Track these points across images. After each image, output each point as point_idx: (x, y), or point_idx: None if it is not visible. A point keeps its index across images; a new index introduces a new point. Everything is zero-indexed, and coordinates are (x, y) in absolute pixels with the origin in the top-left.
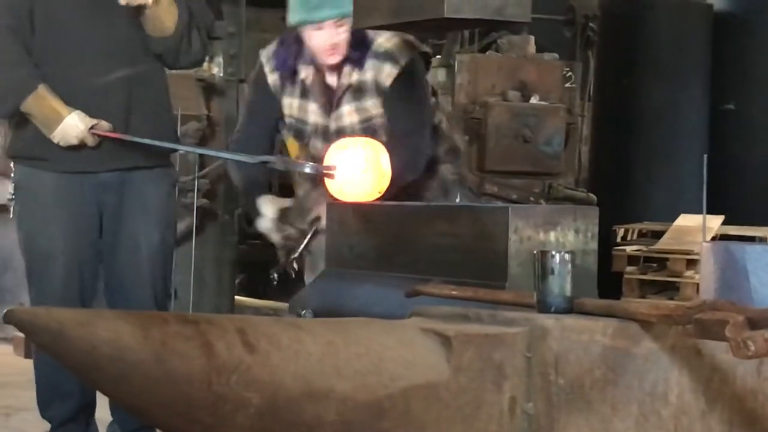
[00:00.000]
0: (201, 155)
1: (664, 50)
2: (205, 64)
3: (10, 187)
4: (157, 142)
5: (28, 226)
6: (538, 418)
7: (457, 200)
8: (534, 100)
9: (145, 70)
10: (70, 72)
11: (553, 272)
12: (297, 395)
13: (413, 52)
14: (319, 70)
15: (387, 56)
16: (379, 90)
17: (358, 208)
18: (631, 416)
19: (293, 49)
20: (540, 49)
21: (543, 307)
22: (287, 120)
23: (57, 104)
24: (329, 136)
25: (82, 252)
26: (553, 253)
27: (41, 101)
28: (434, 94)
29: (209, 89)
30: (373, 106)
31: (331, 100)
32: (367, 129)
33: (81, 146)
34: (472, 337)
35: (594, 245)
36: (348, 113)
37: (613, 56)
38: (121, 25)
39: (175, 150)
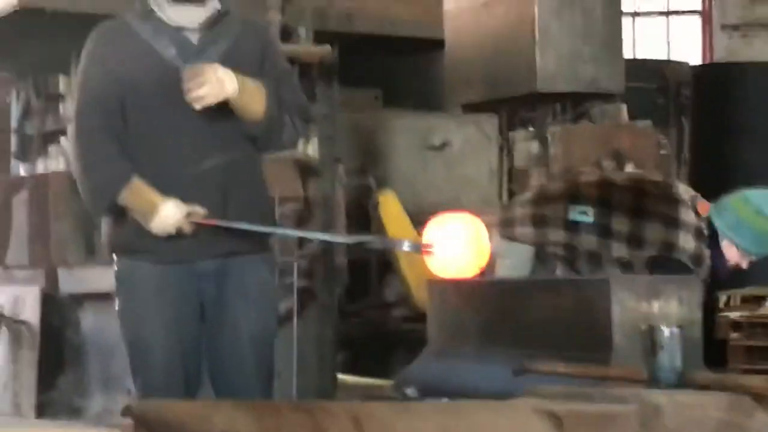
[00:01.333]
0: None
1: (758, 114)
2: (301, 146)
3: (113, 281)
4: (252, 226)
5: (129, 318)
6: None
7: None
8: (629, 168)
9: (240, 155)
10: (165, 162)
11: (662, 347)
12: None
13: None
14: None
15: None
16: None
17: (459, 285)
18: None
19: None
20: (632, 116)
21: (654, 382)
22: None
23: (152, 195)
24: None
25: (184, 341)
26: (663, 327)
27: (136, 193)
28: None
29: (306, 170)
30: None
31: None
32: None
33: (179, 234)
34: (583, 416)
35: (698, 314)
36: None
37: (707, 121)
38: (212, 111)
39: (272, 234)
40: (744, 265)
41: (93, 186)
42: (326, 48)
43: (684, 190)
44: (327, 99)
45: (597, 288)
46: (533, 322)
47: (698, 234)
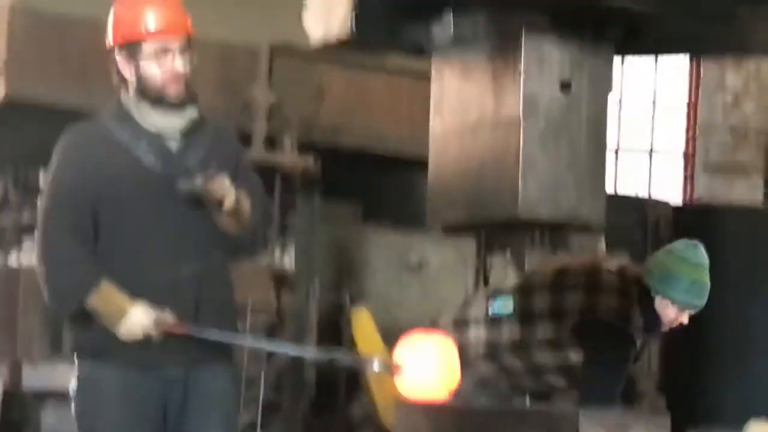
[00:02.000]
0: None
1: (734, 255)
2: (277, 256)
3: (72, 381)
4: (221, 336)
5: (89, 422)
6: None
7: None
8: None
9: (214, 262)
10: (140, 266)
11: None
12: None
13: None
14: None
15: None
16: None
17: (427, 410)
18: None
19: None
20: (610, 250)
21: None
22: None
23: (120, 299)
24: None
25: None
26: None
27: (104, 297)
28: None
29: (280, 281)
30: None
31: None
32: None
33: (146, 340)
34: None
35: None
36: None
37: None
38: (190, 218)
39: (242, 344)
40: (684, 320)
41: (59, 289)
42: (310, 159)
43: (612, 263)
44: (307, 211)
45: (566, 420)
46: None
47: (621, 293)
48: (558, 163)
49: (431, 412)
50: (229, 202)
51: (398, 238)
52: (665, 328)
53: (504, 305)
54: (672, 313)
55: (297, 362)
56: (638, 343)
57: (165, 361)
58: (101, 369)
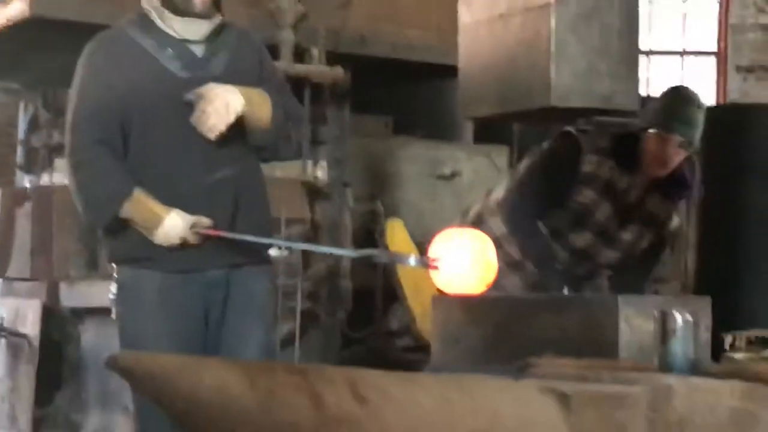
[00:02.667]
0: (305, 255)
1: None
2: (310, 168)
3: (112, 287)
4: (257, 239)
5: (132, 327)
6: None
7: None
8: None
9: (248, 166)
10: (175, 173)
11: (675, 334)
12: None
13: None
14: None
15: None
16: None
17: (463, 302)
18: None
19: None
20: None
21: (665, 368)
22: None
23: (155, 206)
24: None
25: (189, 351)
26: (675, 313)
27: (138, 205)
28: None
29: (313, 193)
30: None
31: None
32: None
33: (184, 246)
34: (591, 396)
35: (707, 336)
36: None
37: (718, 160)
38: None
39: (278, 245)
40: (674, 155)
41: (93, 200)
42: (339, 70)
43: None
44: (337, 122)
45: (604, 306)
46: (537, 340)
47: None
48: (590, 48)
49: (466, 303)
50: (222, 117)
51: (430, 149)
52: (658, 170)
53: None
54: (654, 145)
55: (334, 272)
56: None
57: (205, 265)
58: (141, 274)
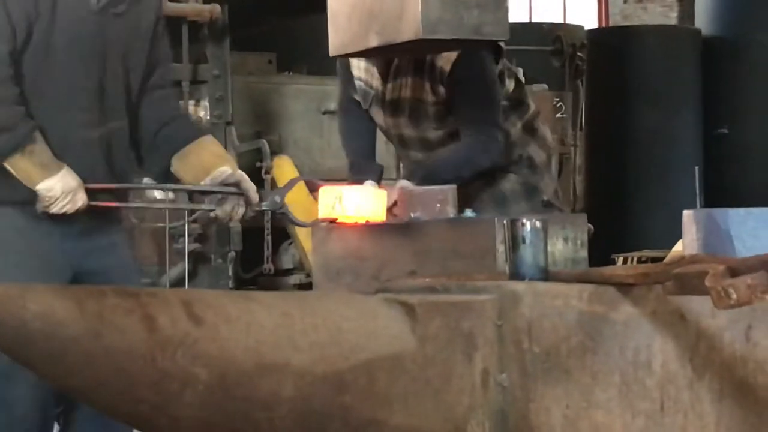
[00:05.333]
0: (192, 196)
1: (654, 77)
2: (192, 107)
3: None
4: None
5: None
6: (513, 390)
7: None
8: None
9: (124, 126)
10: (63, 120)
11: (524, 241)
12: (249, 370)
13: None
14: None
15: None
16: (436, 75)
17: (342, 232)
18: (614, 386)
19: None
20: (529, 80)
21: (515, 277)
22: (356, 81)
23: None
24: (385, 105)
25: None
26: (524, 221)
27: (33, 157)
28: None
29: None
30: (429, 89)
31: (388, 68)
32: (417, 108)
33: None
34: (437, 305)
35: (584, 253)
36: (403, 86)
37: (603, 85)
38: (112, 74)
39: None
40: None
41: None
42: (215, 6)
43: None
44: (217, 60)
45: (480, 228)
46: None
47: None
48: None
49: (344, 233)
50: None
51: (315, 84)
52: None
53: None
54: None
55: None
56: None
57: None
58: (4, 212)
